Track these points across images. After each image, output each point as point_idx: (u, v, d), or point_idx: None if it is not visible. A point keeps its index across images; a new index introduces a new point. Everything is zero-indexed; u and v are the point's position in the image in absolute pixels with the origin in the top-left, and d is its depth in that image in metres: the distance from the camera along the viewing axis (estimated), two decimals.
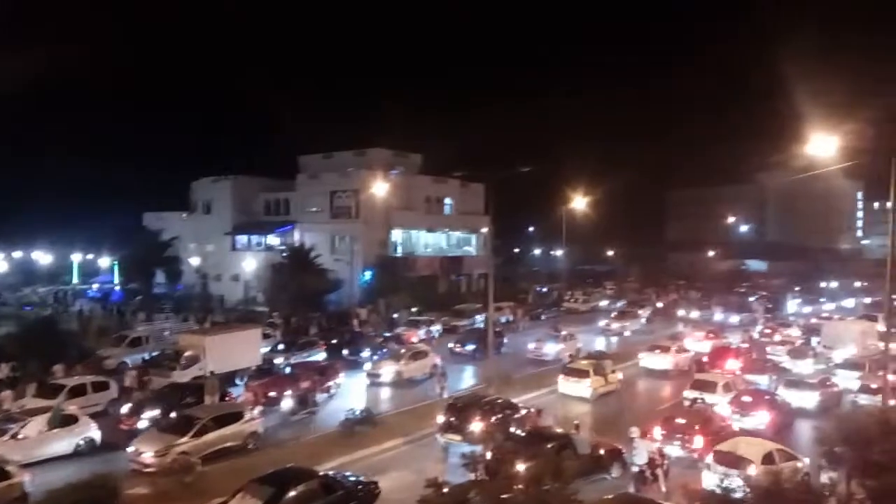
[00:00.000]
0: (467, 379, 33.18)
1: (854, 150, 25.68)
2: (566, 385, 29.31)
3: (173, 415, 22.34)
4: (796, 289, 79.45)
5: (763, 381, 30.62)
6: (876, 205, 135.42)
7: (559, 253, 75.16)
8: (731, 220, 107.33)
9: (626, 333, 47.70)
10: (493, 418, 22.07)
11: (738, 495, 14.26)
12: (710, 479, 17.67)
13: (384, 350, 35.94)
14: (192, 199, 67.74)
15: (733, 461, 18.07)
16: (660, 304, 62.24)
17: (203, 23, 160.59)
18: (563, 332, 39.67)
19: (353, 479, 17.46)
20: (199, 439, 20.19)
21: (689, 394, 26.93)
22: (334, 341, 37.61)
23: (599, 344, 42.83)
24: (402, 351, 33.64)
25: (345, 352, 36.24)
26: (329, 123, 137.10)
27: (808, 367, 34.08)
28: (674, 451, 20.33)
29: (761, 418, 24.07)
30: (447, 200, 64.63)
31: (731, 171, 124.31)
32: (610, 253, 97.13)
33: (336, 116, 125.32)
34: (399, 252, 59.76)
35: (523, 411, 23.38)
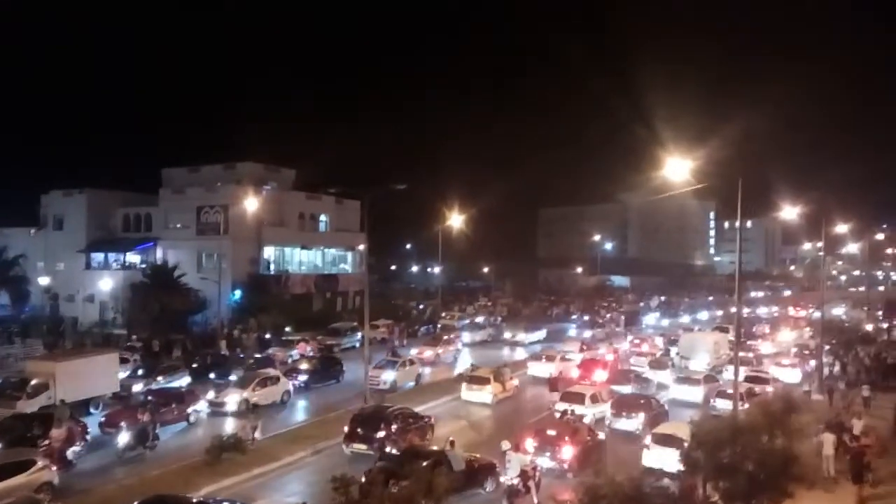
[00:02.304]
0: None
1: (705, 174, 27.57)
2: (469, 392, 31.53)
3: None
4: (653, 303, 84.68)
5: (627, 391, 32.04)
6: (726, 224, 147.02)
7: (436, 269, 75.78)
8: (596, 237, 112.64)
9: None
10: (397, 427, 23.35)
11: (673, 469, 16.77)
12: (649, 458, 20.60)
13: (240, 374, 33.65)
14: (41, 214, 62.89)
15: (669, 441, 20.40)
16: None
17: (55, 21, 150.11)
18: (404, 358, 37.41)
19: (225, 501, 16.96)
20: None
21: (560, 406, 27.75)
22: (199, 365, 35.85)
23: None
24: (250, 377, 31.44)
25: (212, 375, 34.50)
26: (196, 136, 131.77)
27: (667, 377, 36.02)
28: (544, 462, 20.90)
29: (639, 419, 26.40)
30: (322, 217, 63.50)
31: (597, 191, 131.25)
32: (485, 269, 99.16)
33: (204, 129, 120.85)
34: (271, 270, 57.99)
35: (424, 420, 25.11)
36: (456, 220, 61.01)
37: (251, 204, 50.18)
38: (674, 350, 43.32)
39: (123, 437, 22.78)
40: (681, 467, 16.69)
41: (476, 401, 31.28)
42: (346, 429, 23.48)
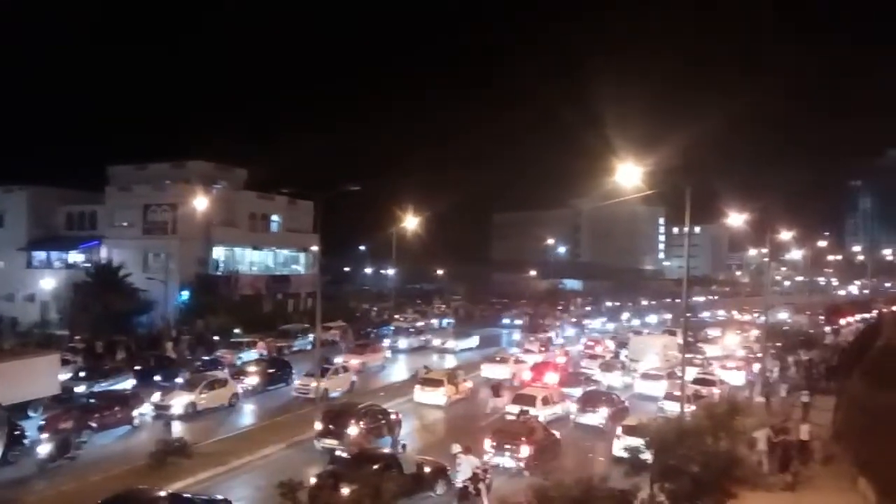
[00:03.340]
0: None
1: (655, 180, 28.13)
2: (422, 394, 31.62)
3: None
4: (602, 307, 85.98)
5: (577, 393, 32.37)
6: (675, 230, 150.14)
7: (390, 272, 75.53)
8: (549, 241, 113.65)
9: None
10: (368, 423, 24.19)
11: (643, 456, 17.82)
12: (619, 446, 22.06)
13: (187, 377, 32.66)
14: None
15: (636, 431, 21.45)
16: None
17: None
18: (336, 365, 35.60)
19: (203, 498, 17.22)
20: None
21: (512, 408, 27.97)
22: (144, 367, 34.97)
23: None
24: (197, 379, 30.86)
25: (158, 378, 33.63)
26: (144, 134, 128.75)
27: (617, 379, 36.55)
28: (504, 461, 21.70)
29: (602, 413, 27.92)
30: (274, 217, 62.61)
31: (550, 195, 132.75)
32: (439, 272, 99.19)
33: (152, 126, 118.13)
34: (220, 270, 56.90)
35: (392, 416, 25.90)
36: (410, 223, 60.85)
37: (200, 203, 49.27)
38: (623, 353, 44.00)
39: (44, 448, 21.65)
40: (648, 455, 17.80)
41: (429, 403, 31.29)
42: (318, 425, 24.08)
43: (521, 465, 21.62)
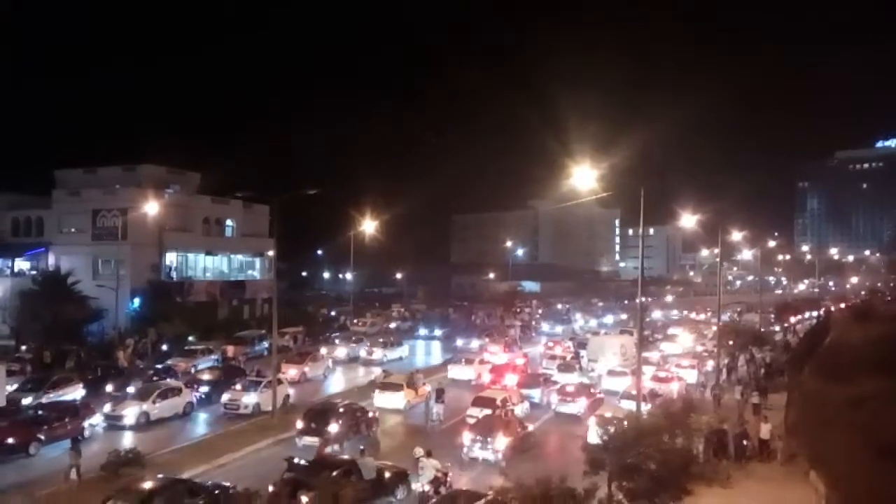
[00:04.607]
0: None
1: (611, 183, 28.58)
2: (381, 398, 31.30)
3: None
4: (559, 307, 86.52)
5: (536, 394, 32.54)
6: (631, 231, 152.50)
7: (348, 276, 74.93)
8: (508, 243, 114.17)
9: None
10: (348, 421, 25.38)
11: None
12: (594, 435, 22.27)
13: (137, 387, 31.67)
14: None
15: (610, 421, 22.52)
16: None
17: None
18: (269, 378, 31.79)
19: (211, 483, 18.72)
20: None
21: (472, 411, 27.96)
22: (95, 376, 34.12)
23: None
24: (150, 388, 30.04)
25: (109, 388, 32.74)
26: (94, 137, 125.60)
27: (574, 379, 36.88)
28: (483, 453, 23.40)
29: (581, 403, 30.28)
30: (229, 222, 61.56)
31: (510, 197, 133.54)
32: (399, 275, 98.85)
33: (102, 130, 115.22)
34: (173, 277, 55.71)
35: (370, 414, 27.04)
36: (369, 227, 60.55)
37: (152, 208, 48.05)
38: (583, 353, 44.43)
39: None
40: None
41: (389, 406, 31.00)
42: (299, 423, 25.07)
43: (499, 456, 23.07)
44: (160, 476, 18.31)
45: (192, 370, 37.58)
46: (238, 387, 31.45)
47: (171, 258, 55.76)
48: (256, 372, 34.54)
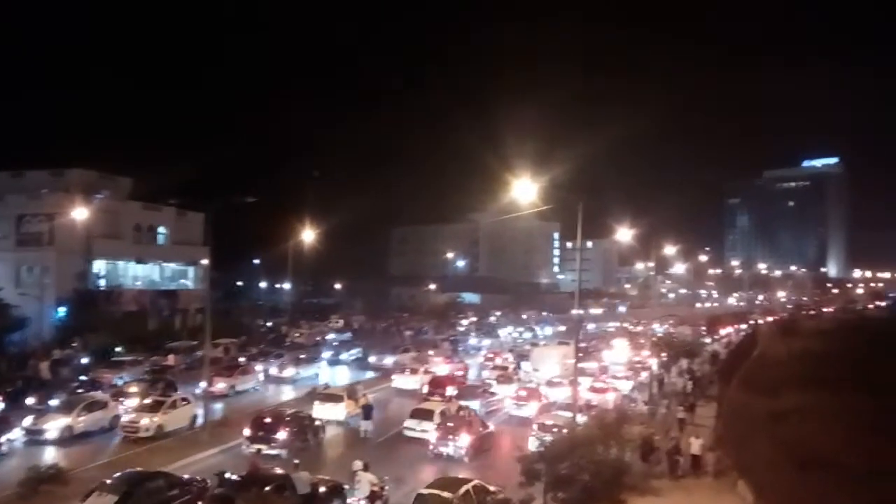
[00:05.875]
0: None
1: (550, 197, 29.05)
2: (321, 409, 30.74)
3: None
4: (491, 319, 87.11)
5: (475, 405, 32.60)
6: (569, 244, 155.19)
7: (286, 286, 73.67)
8: (448, 255, 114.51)
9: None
10: (293, 428, 25.79)
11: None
12: (534, 442, 24.30)
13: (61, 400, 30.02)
14: None
15: (549, 428, 25.25)
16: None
17: None
18: (174, 397, 29.77)
19: (187, 477, 19.87)
20: None
21: (410, 423, 28.02)
22: (14, 388, 32.61)
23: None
24: (74, 401, 28.73)
25: (30, 401, 31.17)
26: (20, 139, 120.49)
27: (512, 390, 37.17)
28: (448, 449, 25.04)
29: (533, 407, 32.62)
30: (161, 229, 59.82)
31: (449, 210, 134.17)
32: (337, 286, 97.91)
33: (28, 132, 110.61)
34: (102, 285, 53.73)
35: (317, 422, 27.85)
36: (307, 237, 59.67)
37: (80, 213, 46.46)
38: (524, 364, 45.09)
39: None
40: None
41: (329, 418, 30.39)
42: (246, 431, 25.44)
43: (462, 452, 24.92)
44: (140, 469, 19.46)
45: (119, 382, 36.21)
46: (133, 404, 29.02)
47: (99, 266, 53.94)
48: (163, 389, 32.25)
